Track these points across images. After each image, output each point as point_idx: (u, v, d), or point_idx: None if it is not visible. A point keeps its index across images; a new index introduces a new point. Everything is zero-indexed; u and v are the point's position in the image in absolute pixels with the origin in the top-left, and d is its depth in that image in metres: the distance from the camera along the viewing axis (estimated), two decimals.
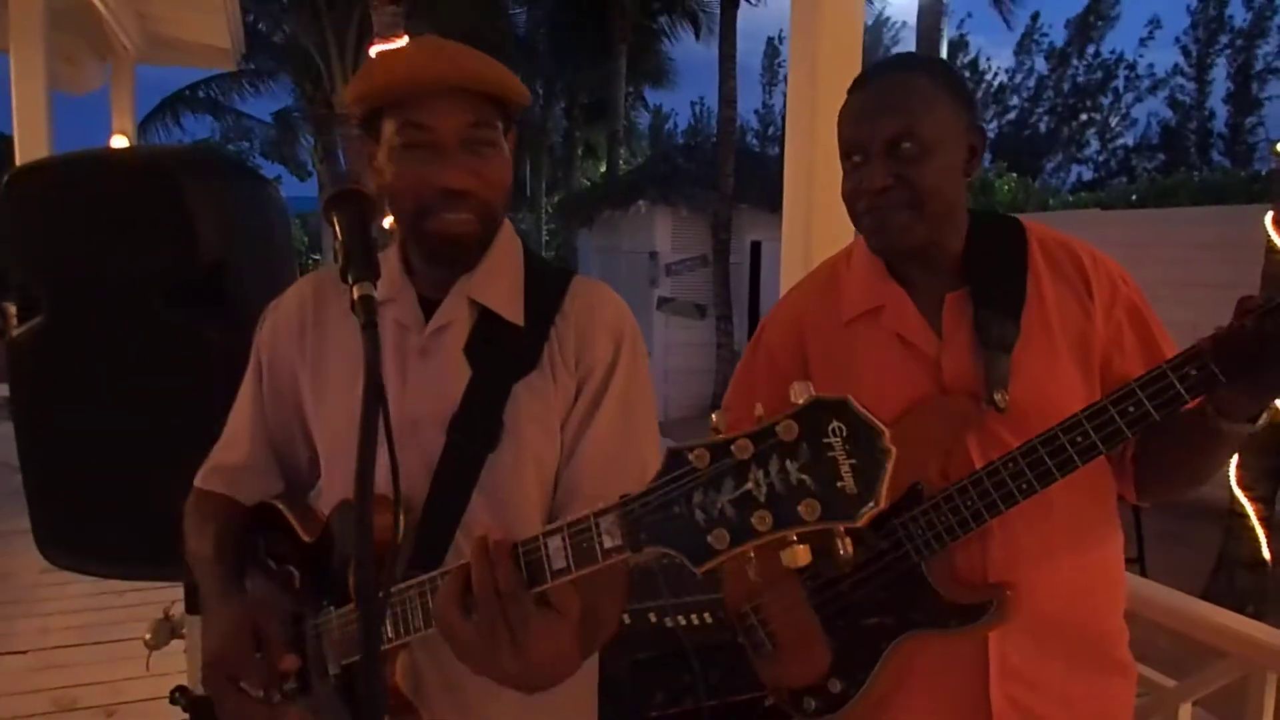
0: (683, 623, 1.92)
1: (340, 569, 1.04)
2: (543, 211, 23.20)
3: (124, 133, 7.39)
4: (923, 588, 1.20)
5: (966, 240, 1.25)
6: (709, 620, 1.94)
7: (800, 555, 0.64)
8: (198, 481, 1.25)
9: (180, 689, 1.56)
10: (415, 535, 1.06)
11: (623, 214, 13.20)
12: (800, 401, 0.63)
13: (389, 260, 1.15)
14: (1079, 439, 1.09)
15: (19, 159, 4.48)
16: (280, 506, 1.18)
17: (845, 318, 1.30)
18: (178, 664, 1.93)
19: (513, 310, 1.12)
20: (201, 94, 19.22)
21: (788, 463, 0.63)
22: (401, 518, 1.03)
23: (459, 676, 1.06)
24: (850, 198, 1.22)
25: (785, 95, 2.62)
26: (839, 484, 0.62)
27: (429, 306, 1.13)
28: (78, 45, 6.72)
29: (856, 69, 2.49)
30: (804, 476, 0.62)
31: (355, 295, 0.90)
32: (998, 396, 1.16)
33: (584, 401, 1.10)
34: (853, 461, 0.62)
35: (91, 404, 1.57)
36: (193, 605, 1.73)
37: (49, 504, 1.65)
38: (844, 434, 0.62)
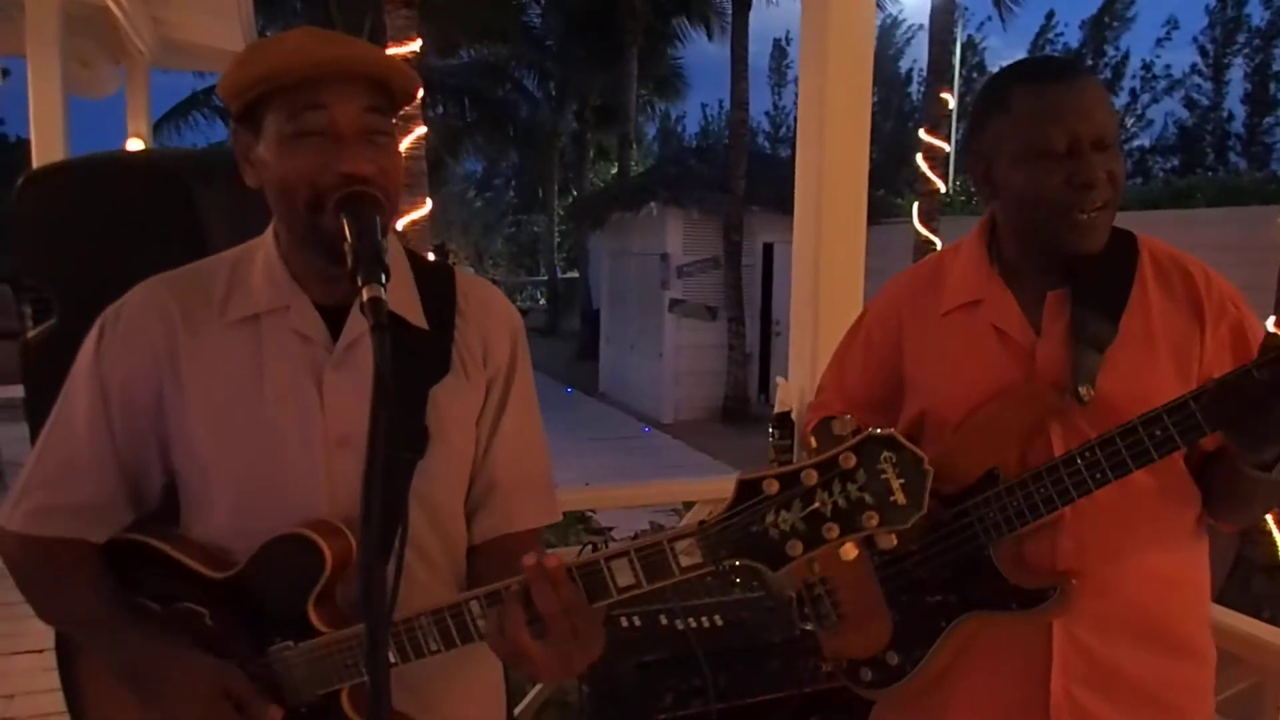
0: (693, 625, 1.92)
1: (289, 602, 1.01)
2: (554, 214, 23.22)
3: (139, 136, 7.47)
4: (988, 570, 1.22)
5: None
6: (719, 623, 1.94)
7: (851, 551, 0.81)
8: (22, 528, 1.07)
9: None
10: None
11: (634, 216, 13.18)
12: (849, 434, 0.79)
13: (267, 265, 1.10)
14: (1158, 432, 1.09)
15: (35, 163, 4.52)
16: (153, 542, 1.09)
17: (943, 309, 1.32)
18: None
19: (416, 314, 1.11)
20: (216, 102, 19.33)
21: (848, 485, 0.79)
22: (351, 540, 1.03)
23: (417, 678, 1.05)
24: (1056, 192, 1.16)
25: (794, 97, 2.61)
26: (892, 498, 0.78)
27: (325, 314, 1.08)
28: (93, 50, 6.79)
29: (868, 72, 2.49)
30: (863, 495, 0.79)
31: (365, 297, 0.90)
32: (1082, 390, 1.16)
33: (494, 399, 1.15)
34: (901, 481, 0.78)
35: None
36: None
37: None
38: (894, 461, 0.78)
